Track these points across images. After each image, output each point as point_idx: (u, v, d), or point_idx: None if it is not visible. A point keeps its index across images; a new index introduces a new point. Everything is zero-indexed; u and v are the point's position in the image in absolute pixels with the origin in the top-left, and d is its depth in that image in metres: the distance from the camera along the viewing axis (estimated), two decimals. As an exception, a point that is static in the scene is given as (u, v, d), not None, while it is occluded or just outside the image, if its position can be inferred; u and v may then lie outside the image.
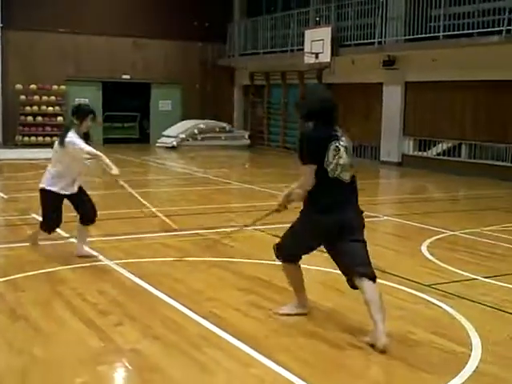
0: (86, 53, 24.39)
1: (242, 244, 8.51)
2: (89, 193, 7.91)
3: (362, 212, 5.27)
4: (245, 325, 5.38)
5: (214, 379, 4.41)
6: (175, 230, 8.87)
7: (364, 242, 5.17)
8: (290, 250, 5.47)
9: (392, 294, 6.31)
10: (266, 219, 6.25)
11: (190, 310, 5.67)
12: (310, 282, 6.55)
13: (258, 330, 5.29)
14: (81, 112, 7.44)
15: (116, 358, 4.74)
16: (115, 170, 7.37)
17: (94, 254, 7.66)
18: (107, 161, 7.38)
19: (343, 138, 5.17)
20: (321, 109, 5.19)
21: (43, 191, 7.49)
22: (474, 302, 6.13)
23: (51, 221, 7.55)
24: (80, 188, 7.64)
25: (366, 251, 5.16)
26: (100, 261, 7.39)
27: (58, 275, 6.77)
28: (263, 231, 9.28)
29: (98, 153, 7.45)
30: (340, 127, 5.27)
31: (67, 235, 8.63)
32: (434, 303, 6.07)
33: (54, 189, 7.41)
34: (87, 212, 7.61)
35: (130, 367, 4.59)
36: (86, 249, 7.70)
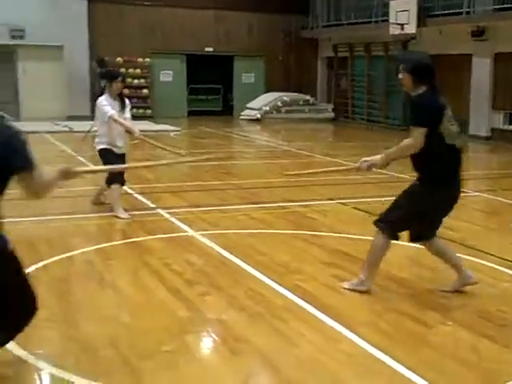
0: (171, 25, 24.56)
1: (325, 217, 8.46)
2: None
3: None
4: (330, 299, 5.35)
5: (299, 351, 4.41)
6: (260, 203, 8.92)
7: None
8: (401, 226, 5.35)
9: (482, 271, 6.14)
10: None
11: (275, 282, 5.68)
12: (397, 257, 6.47)
13: (344, 304, 5.25)
14: (109, 75, 8.15)
15: (202, 327, 4.80)
16: (137, 132, 8.01)
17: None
18: (128, 124, 7.97)
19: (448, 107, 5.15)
20: (428, 69, 5.14)
21: (98, 151, 8.18)
22: None
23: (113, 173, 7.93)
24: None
25: None
26: (186, 232, 7.46)
27: (145, 245, 6.89)
28: (347, 205, 9.21)
29: (118, 119, 7.89)
30: None
31: (153, 205, 8.77)
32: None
33: (101, 146, 8.06)
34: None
35: (215, 337, 4.64)
36: None
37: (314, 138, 19.87)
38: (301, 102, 25.06)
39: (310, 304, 5.16)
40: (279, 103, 24.58)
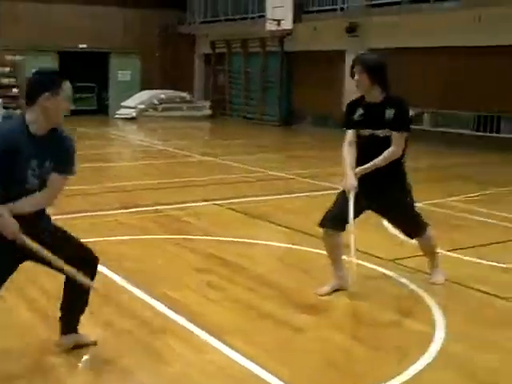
0: (43, 21, 23.68)
1: (199, 220, 8.27)
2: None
3: None
4: (200, 307, 5.15)
5: (170, 368, 4.18)
6: (133, 207, 8.63)
7: None
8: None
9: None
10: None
11: (145, 292, 5.41)
12: (269, 258, 6.40)
13: (214, 312, 5.07)
14: None
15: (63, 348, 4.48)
16: None
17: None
18: None
19: None
20: (385, 69, 5.27)
21: None
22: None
23: None
24: None
25: None
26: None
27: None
28: (222, 206, 9.06)
29: None
30: None
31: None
32: (396, 279, 5.90)
33: None
34: None
35: (79, 359, 4.33)
36: None
37: (191, 137, 19.66)
38: (178, 100, 24.80)
39: (179, 314, 4.93)
40: (155, 101, 24.21)
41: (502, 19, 15.30)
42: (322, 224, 5.37)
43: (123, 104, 24.39)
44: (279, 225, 8.03)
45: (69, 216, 8.18)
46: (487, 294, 5.57)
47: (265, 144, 17.79)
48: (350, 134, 5.26)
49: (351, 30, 19.20)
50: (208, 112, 25.34)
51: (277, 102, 22.80)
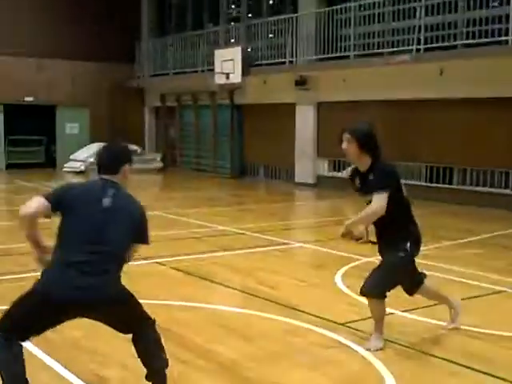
0: (-13, 73, 23.14)
1: (139, 281, 7.69)
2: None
3: None
4: (130, 384, 4.62)
5: None
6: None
7: None
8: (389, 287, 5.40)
9: (302, 335, 5.70)
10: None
11: (70, 371, 4.84)
12: (211, 324, 5.93)
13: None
14: None
15: None
16: None
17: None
18: None
19: None
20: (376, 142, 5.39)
21: None
22: (391, 341, 5.54)
23: None
24: None
25: None
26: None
27: None
28: (165, 264, 8.56)
29: None
30: None
31: None
32: (347, 345, 5.46)
33: None
34: None
35: None
36: None
37: (140, 190, 19.08)
38: (127, 153, 24.27)
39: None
40: (105, 154, 23.66)
41: (454, 72, 15.28)
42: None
43: (71, 157, 23.83)
44: (225, 285, 7.57)
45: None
46: (447, 360, 5.16)
47: (216, 197, 17.39)
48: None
49: (301, 83, 19.09)
50: (159, 165, 24.91)
51: (228, 155, 22.52)
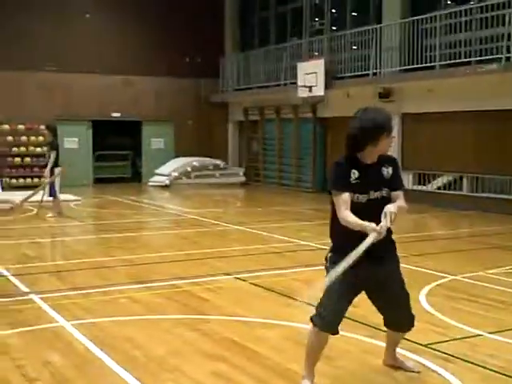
0: (75, 91, 23.77)
1: (219, 297, 7.67)
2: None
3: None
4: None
5: None
6: (148, 282, 8.11)
7: None
8: None
9: (382, 356, 5.47)
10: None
11: (144, 385, 4.82)
12: (292, 344, 5.75)
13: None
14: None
15: None
16: None
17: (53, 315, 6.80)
18: None
19: None
20: None
21: None
22: (478, 365, 5.26)
23: None
24: None
25: None
26: (56, 322, 6.52)
27: (0, 342, 5.92)
28: (244, 280, 8.47)
29: None
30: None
31: (27, 290, 7.81)
32: (431, 368, 5.21)
33: None
34: None
35: None
36: None
37: (223, 204, 19.21)
38: (211, 167, 24.50)
39: (180, 414, 4.34)
40: (189, 168, 23.94)
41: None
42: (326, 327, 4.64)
43: (157, 171, 24.22)
44: (306, 302, 7.39)
45: (78, 292, 7.71)
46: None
47: (298, 211, 17.23)
48: (347, 197, 4.46)
49: (385, 95, 18.76)
50: (242, 179, 24.99)
51: (311, 169, 22.35)
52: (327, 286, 4.33)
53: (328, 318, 4.57)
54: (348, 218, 4.39)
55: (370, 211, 4.43)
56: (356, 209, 4.44)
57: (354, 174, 4.51)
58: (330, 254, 4.68)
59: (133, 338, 5.97)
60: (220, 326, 6.39)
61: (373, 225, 4.28)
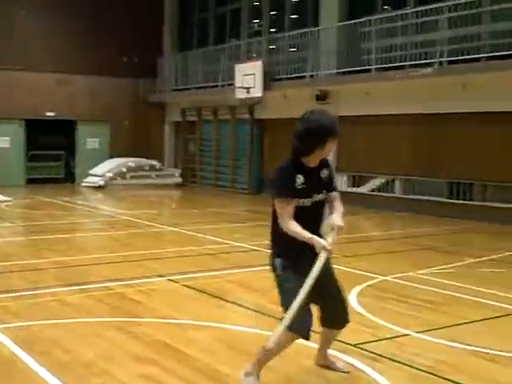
0: (8, 89, 23.23)
1: (152, 299, 7.59)
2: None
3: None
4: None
5: None
6: (81, 284, 7.98)
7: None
8: None
9: (314, 357, 5.50)
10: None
11: (69, 388, 4.73)
12: (222, 345, 5.74)
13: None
14: None
15: None
16: None
17: None
18: None
19: None
20: None
21: None
22: (405, 364, 5.34)
23: None
24: None
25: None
26: (-18, 325, 6.35)
27: None
28: (178, 282, 8.42)
29: None
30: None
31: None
32: (359, 368, 5.26)
33: None
34: None
35: None
36: None
37: (158, 206, 19.09)
38: (146, 168, 24.32)
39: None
40: (124, 169, 23.70)
41: (479, 87, 15.06)
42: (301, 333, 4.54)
43: (91, 172, 23.87)
44: (238, 304, 7.41)
45: (6, 295, 7.53)
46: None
47: (233, 213, 17.24)
48: (292, 205, 4.44)
49: (322, 97, 18.95)
50: (178, 180, 24.87)
51: (248, 170, 22.40)
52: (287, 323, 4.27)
53: (309, 325, 4.52)
54: (294, 228, 4.39)
55: (313, 213, 4.54)
56: (300, 212, 4.46)
57: (300, 179, 4.47)
58: (278, 260, 4.58)
59: (62, 341, 5.86)
60: (151, 328, 6.33)
61: (321, 241, 4.31)
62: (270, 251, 4.71)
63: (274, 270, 4.61)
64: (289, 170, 4.48)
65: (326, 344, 5.17)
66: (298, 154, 4.48)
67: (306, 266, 4.33)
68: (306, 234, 4.36)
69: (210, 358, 5.45)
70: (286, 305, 4.39)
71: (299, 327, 4.41)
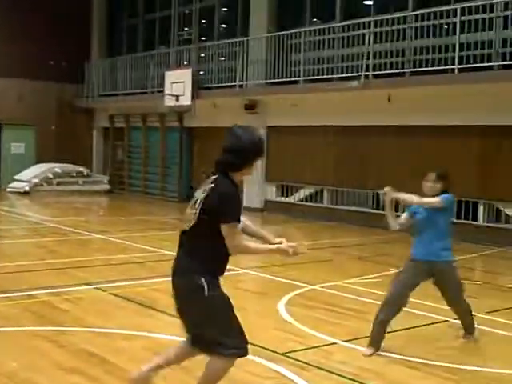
0: None
1: (78, 307, 7.49)
2: None
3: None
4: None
5: None
6: (4, 292, 7.80)
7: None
8: None
9: (240, 365, 5.51)
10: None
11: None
12: (151, 354, 5.72)
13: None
14: None
15: None
16: None
17: None
18: None
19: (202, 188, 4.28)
20: None
21: None
22: (332, 372, 5.44)
23: None
24: None
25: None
26: None
27: None
28: (105, 290, 8.33)
29: None
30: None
31: None
32: (287, 377, 5.33)
33: None
34: None
35: None
36: None
37: (85, 213, 18.80)
38: (74, 174, 23.91)
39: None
40: (50, 175, 23.23)
41: (402, 99, 15.46)
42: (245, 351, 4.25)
43: (16, 177, 23.32)
44: (166, 313, 7.36)
45: None
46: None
47: (162, 221, 17.15)
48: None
49: (250, 107, 19.08)
50: (106, 187, 24.55)
51: (177, 178, 22.33)
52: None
53: (244, 342, 4.23)
54: (255, 246, 4.27)
55: None
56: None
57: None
58: (207, 279, 4.10)
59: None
60: (78, 337, 6.25)
61: (282, 245, 4.22)
62: (182, 271, 4.27)
63: (197, 290, 4.11)
64: (236, 192, 4.21)
65: (180, 361, 4.56)
66: (229, 168, 4.23)
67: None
68: (267, 247, 4.32)
69: (139, 368, 5.41)
70: (222, 329, 4.12)
71: (240, 347, 4.18)
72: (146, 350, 5.89)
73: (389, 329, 6.12)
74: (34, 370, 5.28)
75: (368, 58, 16.03)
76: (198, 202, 4.23)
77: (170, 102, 20.88)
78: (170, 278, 4.27)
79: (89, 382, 5.03)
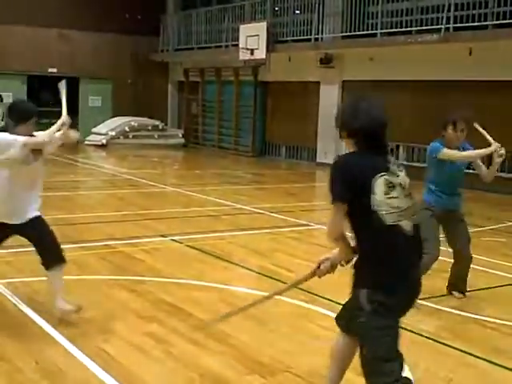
0: (9, 43, 22.96)
1: (154, 258, 7.61)
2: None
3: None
4: (138, 367, 4.47)
5: None
6: (83, 242, 7.98)
7: None
8: None
9: (316, 320, 5.52)
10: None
11: (76, 346, 4.74)
12: (225, 305, 5.76)
13: (152, 374, 4.40)
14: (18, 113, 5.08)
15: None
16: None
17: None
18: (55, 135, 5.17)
19: (398, 171, 3.43)
20: (361, 126, 3.44)
21: None
22: (410, 331, 5.36)
23: None
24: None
25: None
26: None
27: None
28: (181, 242, 8.42)
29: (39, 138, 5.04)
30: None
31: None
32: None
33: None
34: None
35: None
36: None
37: (160, 166, 19.01)
38: (149, 128, 24.15)
39: (113, 376, 4.28)
40: (126, 128, 23.54)
41: (486, 53, 14.92)
42: None
43: (93, 130, 23.75)
44: (241, 266, 7.42)
45: (7, 251, 7.51)
46: (463, 352, 4.97)
47: (236, 175, 17.19)
48: None
49: (326, 61, 18.78)
50: (181, 141, 24.74)
51: (251, 132, 22.29)
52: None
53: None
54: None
55: None
56: None
57: None
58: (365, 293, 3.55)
59: (66, 297, 5.86)
60: (155, 287, 6.35)
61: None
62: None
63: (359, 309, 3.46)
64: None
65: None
66: None
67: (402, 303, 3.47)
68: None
69: (212, 318, 5.46)
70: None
71: None
72: (221, 302, 5.94)
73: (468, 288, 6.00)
74: (114, 318, 5.40)
75: (449, 10, 15.50)
76: (407, 183, 3.49)
77: (244, 55, 20.75)
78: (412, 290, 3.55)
79: (167, 331, 5.11)
